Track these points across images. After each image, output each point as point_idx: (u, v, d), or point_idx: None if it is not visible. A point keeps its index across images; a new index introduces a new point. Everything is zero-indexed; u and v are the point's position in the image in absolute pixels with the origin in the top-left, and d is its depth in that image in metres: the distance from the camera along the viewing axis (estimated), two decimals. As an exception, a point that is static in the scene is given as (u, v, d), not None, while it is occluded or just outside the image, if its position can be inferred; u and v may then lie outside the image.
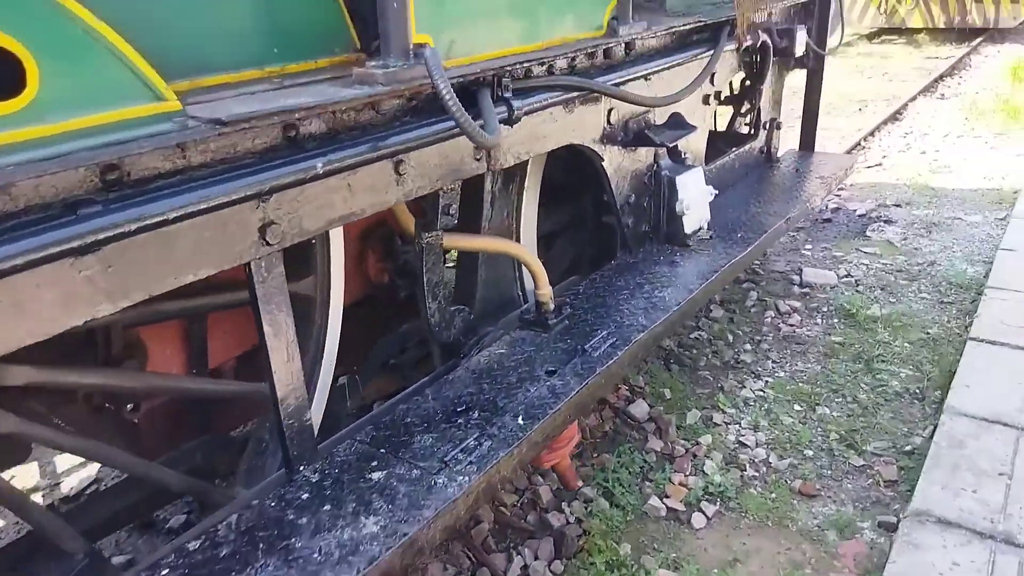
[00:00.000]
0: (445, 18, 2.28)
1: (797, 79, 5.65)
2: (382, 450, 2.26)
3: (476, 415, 2.43)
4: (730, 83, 4.97)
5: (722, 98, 4.31)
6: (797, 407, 4.03)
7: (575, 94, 2.88)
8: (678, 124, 3.61)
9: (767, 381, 4.25)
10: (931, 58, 13.66)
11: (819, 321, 4.84)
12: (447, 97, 2.01)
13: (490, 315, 3.27)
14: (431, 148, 2.35)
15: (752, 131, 5.02)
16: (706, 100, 4.12)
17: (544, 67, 2.78)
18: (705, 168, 4.29)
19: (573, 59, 2.94)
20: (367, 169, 2.15)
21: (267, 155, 1.87)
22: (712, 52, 3.73)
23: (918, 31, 14.97)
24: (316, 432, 2.65)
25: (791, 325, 4.81)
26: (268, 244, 1.91)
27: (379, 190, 2.22)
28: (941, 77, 11.89)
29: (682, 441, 3.80)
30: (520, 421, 2.40)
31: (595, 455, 3.75)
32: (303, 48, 2.11)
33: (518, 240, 3.37)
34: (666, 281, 3.37)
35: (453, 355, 2.93)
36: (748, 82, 4.75)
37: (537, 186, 3.42)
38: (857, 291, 5.16)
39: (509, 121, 2.51)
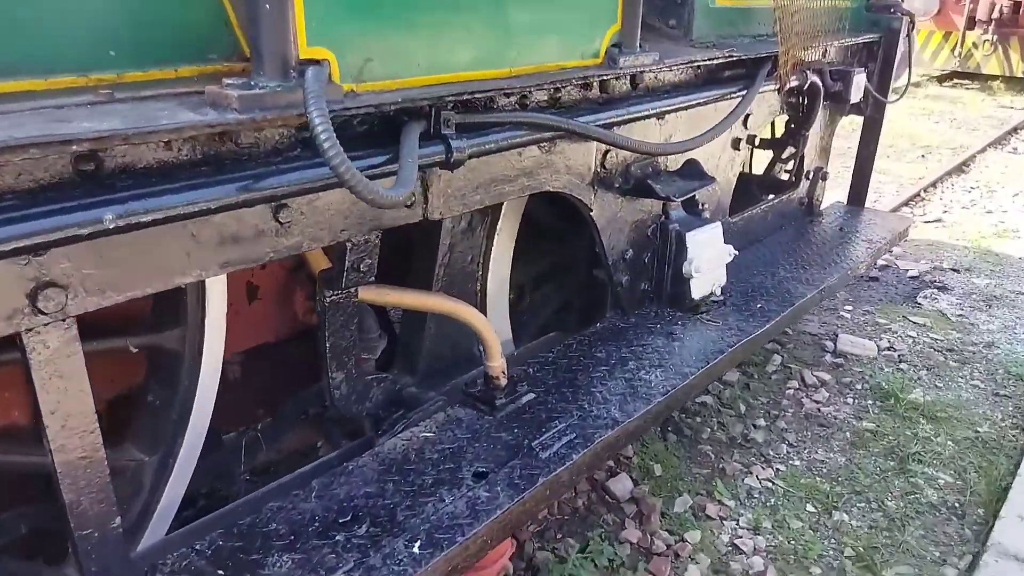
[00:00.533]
0: (357, 27, 1.65)
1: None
2: (221, 572, 1.65)
3: (363, 530, 1.79)
4: (772, 123, 4.22)
5: (757, 142, 3.56)
6: (810, 508, 3.25)
7: (553, 133, 2.22)
8: (693, 174, 2.90)
9: (778, 469, 3.48)
10: (1005, 107, 12.37)
11: (850, 400, 4.02)
12: (321, 133, 1.38)
13: (441, 375, 2.63)
14: (333, 192, 1.73)
15: (793, 179, 4.24)
16: (736, 145, 3.39)
17: (513, 98, 2.13)
18: (729, 220, 3.56)
19: (556, 91, 2.28)
20: (229, 216, 1.54)
21: (42, 196, 1.28)
22: (745, 93, 3.00)
23: (994, 78, 13.62)
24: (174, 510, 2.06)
25: (816, 401, 4.01)
26: (42, 313, 1.32)
27: (248, 243, 1.61)
28: (1015, 129, 10.66)
29: (664, 534, 3.07)
30: (416, 549, 1.74)
31: (559, 536, 3.07)
32: (156, 51, 1.50)
33: (482, 290, 2.72)
34: (657, 358, 2.66)
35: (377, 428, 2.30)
36: (792, 125, 3.99)
37: (514, 226, 2.76)
38: (899, 369, 4.32)
39: (447, 164, 1.86)
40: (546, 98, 2.26)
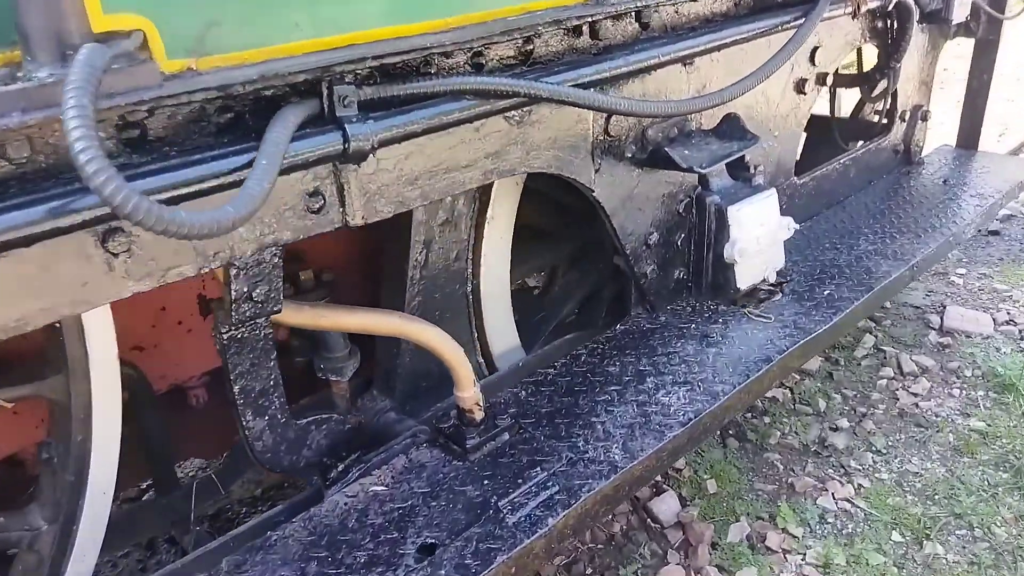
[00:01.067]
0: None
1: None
2: None
3: (264, 637, 1.45)
4: (858, 52, 3.54)
5: (831, 80, 2.93)
6: (896, 537, 2.71)
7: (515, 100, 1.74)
8: (732, 132, 2.34)
9: (860, 486, 2.93)
10: None
11: (956, 392, 3.39)
12: (77, 141, 0.97)
13: (428, 394, 2.25)
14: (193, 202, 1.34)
15: (884, 121, 3.55)
16: (800, 87, 2.77)
17: (459, 58, 1.66)
18: (795, 182, 2.96)
19: (527, 42, 1.79)
20: (23, 255, 1.19)
21: None
22: (803, 21, 2.39)
23: None
24: None
25: (914, 394, 3.39)
26: None
27: (66, 286, 1.25)
28: None
29: (713, 572, 2.63)
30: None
31: (589, 571, 2.67)
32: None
33: (475, 291, 2.30)
34: (684, 372, 2.17)
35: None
36: (881, 56, 3.30)
37: (511, 209, 2.32)
38: (1019, 349, 3.61)
39: (347, 157, 1.44)
40: (512, 53, 1.77)
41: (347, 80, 1.41)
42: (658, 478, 3.02)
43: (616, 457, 1.85)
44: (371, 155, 1.46)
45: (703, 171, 2.14)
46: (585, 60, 1.91)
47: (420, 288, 2.13)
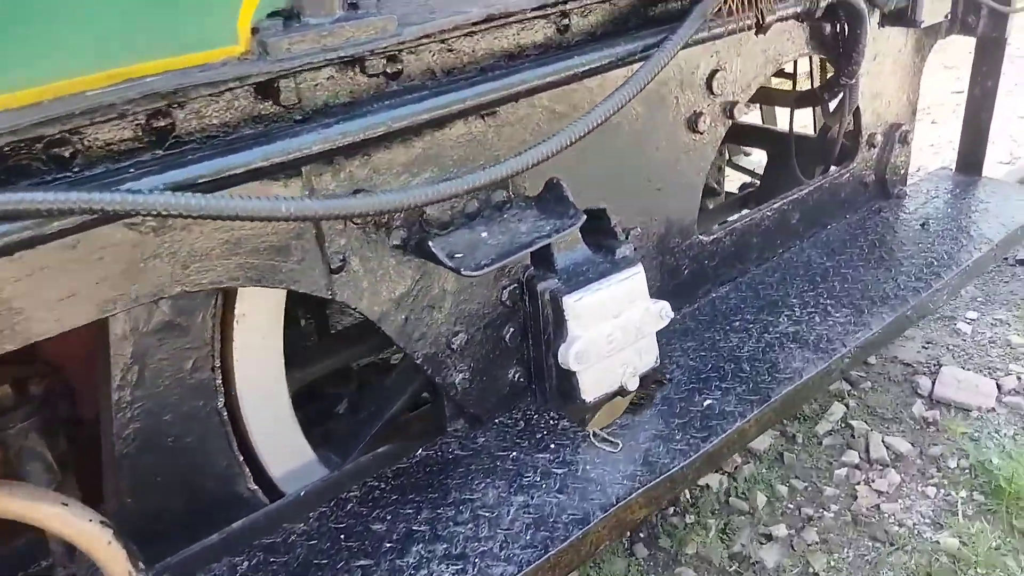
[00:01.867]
0: None
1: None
2: None
3: None
4: (822, 62, 2.85)
5: (740, 112, 2.26)
6: None
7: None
8: (555, 205, 1.73)
9: (781, 625, 2.31)
10: None
11: (931, 492, 2.67)
12: None
13: (161, 542, 1.76)
14: None
15: (842, 149, 2.83)
16: (694, 124, 2.13)
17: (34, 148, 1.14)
18: (699, 240, 2.31)
19: (157, 117, 1.24)
20: None
21: None
22: (654, 52, 1.75)
23: None
24: None
25: (878, 491, 2.69)
26: None
27: None
28: None
29: None
30: None
31: None
32: None
33: (231, 403, 1.78)
34: (470, 535, 1.58)
35: None
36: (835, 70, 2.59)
37: (278, 301, 1.79)
38: (1022, 431, 2.87)
39: None
40: (131, 135, 1.23)
41: None
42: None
43: None
44: None
45: (474, 274, 1.54)
46: (283, 130, 1.34)
47: (136, 412, 1.62)
